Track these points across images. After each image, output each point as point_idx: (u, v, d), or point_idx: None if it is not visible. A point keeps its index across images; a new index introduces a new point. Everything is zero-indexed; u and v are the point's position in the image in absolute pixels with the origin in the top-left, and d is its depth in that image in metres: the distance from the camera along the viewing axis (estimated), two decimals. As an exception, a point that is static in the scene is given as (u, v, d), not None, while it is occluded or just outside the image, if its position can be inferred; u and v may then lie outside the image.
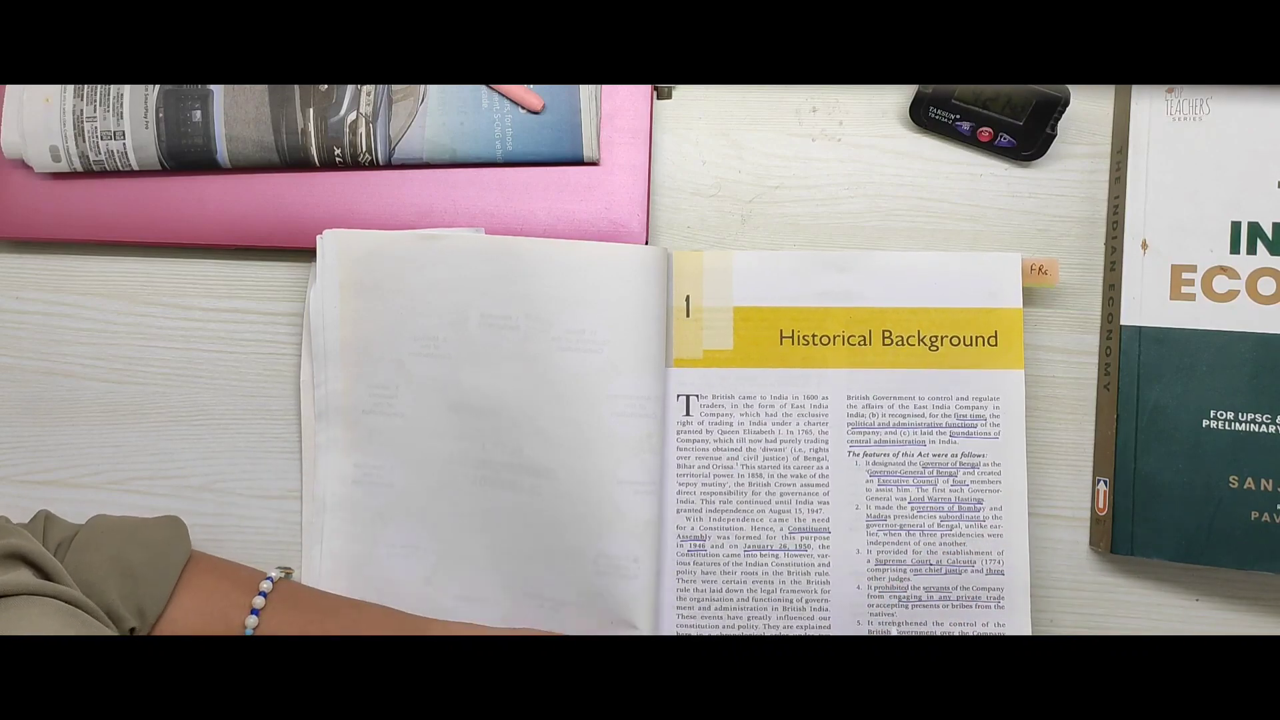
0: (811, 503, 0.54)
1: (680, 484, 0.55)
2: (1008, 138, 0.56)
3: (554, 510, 0.53)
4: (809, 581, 0.54)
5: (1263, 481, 0.51)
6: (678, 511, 0.55)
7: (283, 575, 0.53)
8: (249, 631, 0.49)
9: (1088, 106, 0.57)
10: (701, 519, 0.55)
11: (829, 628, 0.54)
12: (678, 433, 0.55)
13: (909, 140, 0.58)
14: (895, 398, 0.55)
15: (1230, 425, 0.52)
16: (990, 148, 0.57)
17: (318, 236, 0.55)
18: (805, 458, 0.54)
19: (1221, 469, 0.52)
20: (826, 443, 0.55)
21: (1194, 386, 0.52)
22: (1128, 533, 0.53)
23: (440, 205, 0.56)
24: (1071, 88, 0.54)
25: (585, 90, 0.55)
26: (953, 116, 0.56)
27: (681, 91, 0.58)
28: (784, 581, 0.54)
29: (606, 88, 0.56)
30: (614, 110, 0.56)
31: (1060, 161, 0.57)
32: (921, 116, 0.57)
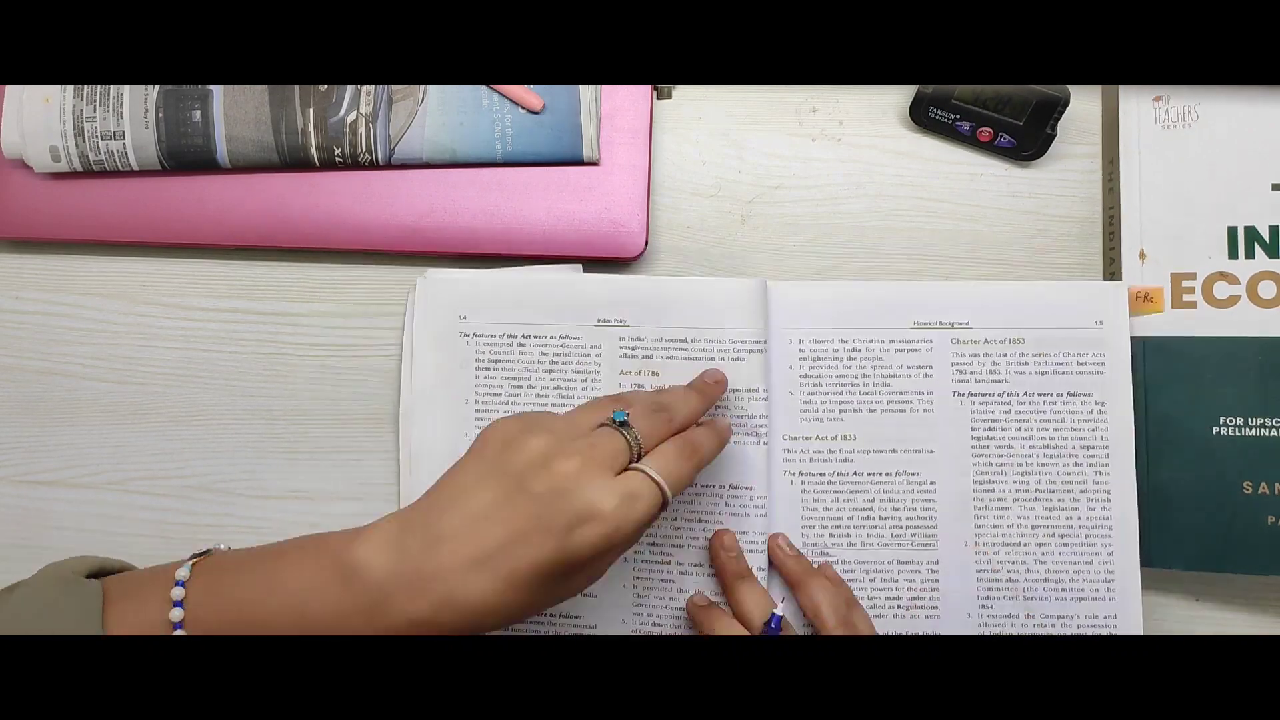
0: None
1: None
2: (1008, 138, 0.56)
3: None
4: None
5: (1277, 486, 0.51)
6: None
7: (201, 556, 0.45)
8: (176, 624, 0.41)
9: (1088, 106, 0.57)
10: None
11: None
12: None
13: (909, 140, 0.58)
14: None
15: (1240, 431, 0.52)
16: (990, 148, 0.57)
17: (418, 279, 0.56)
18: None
19: (1234, 476, 0.52)
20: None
21: (1202, 394, 0.52)
22: (1146, 545, 0.53)
23: (440, 205, 0.56)
24: (1071, 88, 0.54)
25: (585, 90, 0.55)
26: (953, 116, 0.56)
27: (681, 91, 0.58)
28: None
29: (606, 88, 0.56)
30: (614, 110, 0.56)
31: (1060, 161, 0.57)
32: (921, 116, 0.57)
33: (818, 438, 0.55)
